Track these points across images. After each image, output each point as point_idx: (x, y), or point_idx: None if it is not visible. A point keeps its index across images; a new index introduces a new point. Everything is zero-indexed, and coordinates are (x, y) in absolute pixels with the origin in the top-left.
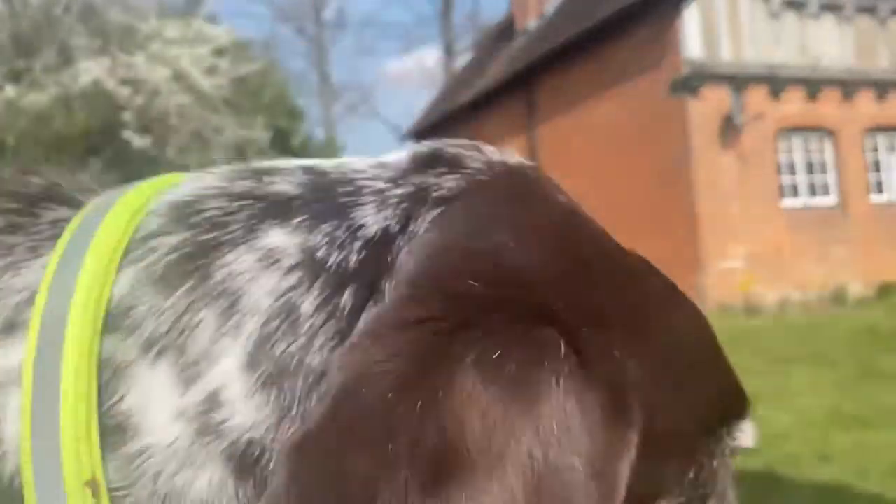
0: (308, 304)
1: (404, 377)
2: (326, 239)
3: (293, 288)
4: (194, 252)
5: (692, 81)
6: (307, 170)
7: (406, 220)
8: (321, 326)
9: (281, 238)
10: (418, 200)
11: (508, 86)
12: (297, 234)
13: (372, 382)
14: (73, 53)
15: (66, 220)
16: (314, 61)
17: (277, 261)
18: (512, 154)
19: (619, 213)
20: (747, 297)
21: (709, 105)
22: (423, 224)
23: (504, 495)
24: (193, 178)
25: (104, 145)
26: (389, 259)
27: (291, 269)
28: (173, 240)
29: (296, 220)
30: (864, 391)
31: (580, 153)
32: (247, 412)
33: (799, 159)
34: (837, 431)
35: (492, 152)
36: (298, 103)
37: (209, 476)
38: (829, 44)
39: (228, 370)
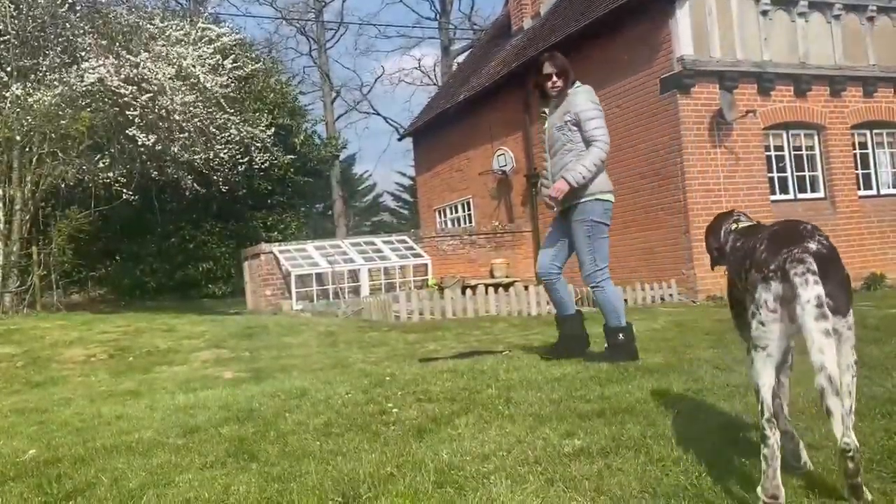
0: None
1: None
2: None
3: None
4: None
5: (683, 79)
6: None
7: None
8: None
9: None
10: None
11: (505, 83)
12: None
13: None
14: (78, 52)
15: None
16: (315, 60)
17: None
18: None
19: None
20: None
21: (700, 102)
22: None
23: None
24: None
25: (110, 142)
26: None
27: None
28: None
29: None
30: None
31: None
32: None
33: (787, 154)
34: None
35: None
36: (300, 101)
37: None
38: (818, 41)
39: None
